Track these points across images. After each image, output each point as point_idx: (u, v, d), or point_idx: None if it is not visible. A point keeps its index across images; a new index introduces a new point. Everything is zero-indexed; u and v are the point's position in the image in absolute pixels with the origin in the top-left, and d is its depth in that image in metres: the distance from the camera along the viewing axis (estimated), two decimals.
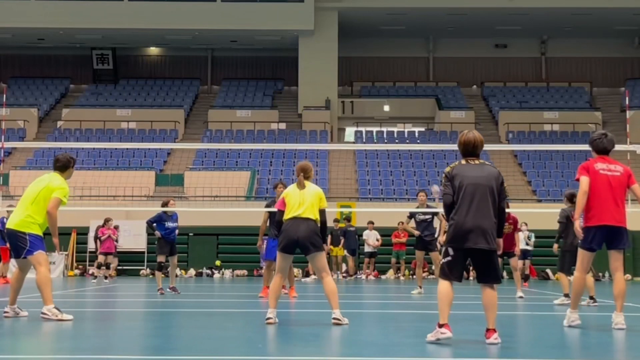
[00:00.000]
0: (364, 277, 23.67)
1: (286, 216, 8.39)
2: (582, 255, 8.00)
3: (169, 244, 14.33)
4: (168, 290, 14.19)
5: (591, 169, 7.90)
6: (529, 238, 21.02)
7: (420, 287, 15.18)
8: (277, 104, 36.76)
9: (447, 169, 6.81)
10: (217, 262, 25.28)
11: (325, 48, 34.98)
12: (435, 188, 15.25)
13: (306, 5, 34.26)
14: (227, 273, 24.96)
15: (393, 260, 23.92)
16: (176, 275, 15.54)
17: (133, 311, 9.22)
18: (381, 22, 36.05)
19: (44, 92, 37.69)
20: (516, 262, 14.59)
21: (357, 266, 24.61)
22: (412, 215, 15.30)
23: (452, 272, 6.63)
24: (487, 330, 6.56)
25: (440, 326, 6.49)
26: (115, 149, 31.01)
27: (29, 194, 8.44)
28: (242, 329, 8.21)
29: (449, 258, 6.63)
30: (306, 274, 22.99)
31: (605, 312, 7.86)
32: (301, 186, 8.42)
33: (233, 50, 38.38)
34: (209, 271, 25.04)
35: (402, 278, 23.71)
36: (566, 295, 11.84)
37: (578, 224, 7.93)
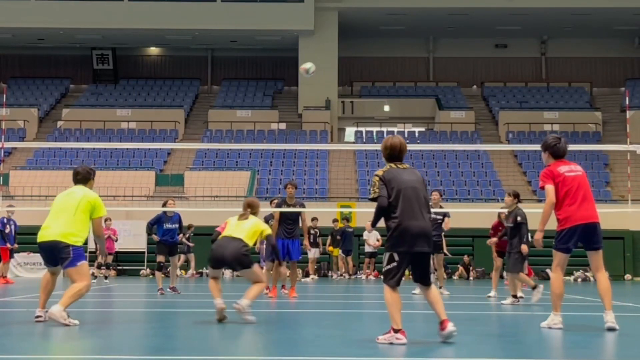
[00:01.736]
0: (364, 277, 23.68)
1: (225, 233, 8.95)
2: (559, 257, 7.93)
3: (168, 246, 14.31)
4: (168, 290, 14.19)
5: (556, 173, 7.89)
6: None
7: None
8: (277, 104, 36.76)
9: (380, 172, 6.73)
10: None
11: (325, 48, 34.96)
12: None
13: (306, 5, 34.26)
14: (227, 273, 24.94)
15: None
16: (177, 276, 15.52)
17: (133, 311, 9.22)
18: (381, 22, 36.04)
19: (44, 92, 37.69)
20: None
21: (358, 266, 24.62)
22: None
23: (396, 278, 6.61)
24: (442, 322, 6.63)
25: (396, 331, 6.50)
26: (115, 149, 31.00)
27: (65, 207, 8.43)
28: (242, 329, 8.21)
29: (394, 264, 6.60)
30: (306, 274, 22.99)
31: (601, 313, 7.84)
32: (243, 218, 9.05)
33: (233, 50, 38.38)
34: (209, 271, 25.03)
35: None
36: (514, 296, 11.82)
37: (541, 235, 7.88)
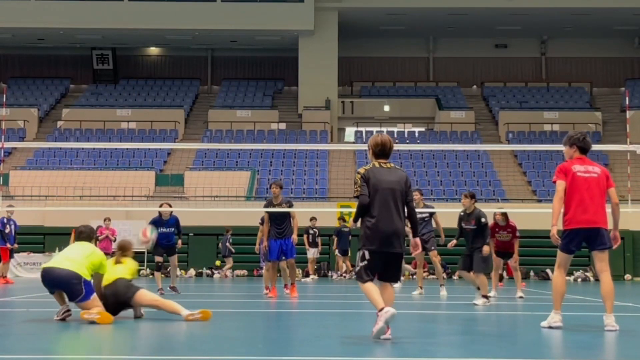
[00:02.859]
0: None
1: (105, 281, 8.91)
2: (561, 256, 7.94)
3: (164, 248, 14.31)
4: (168, 289, 14.19)
5: (569, 171, 7.82)
6: None
7: (421, 288, 15.20)
8: (277, 104, 36.75)
9: (362, 171, 6.86)
10: (217, 262, 25.29)
11: (325, 48, 34.97)
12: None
13: (306, 5, 34.25)
14: (228, 273, 24.96)
15: None
16: (177, 276, 15.51)
17: (132, 312, 9.23)
18: (381, 22, 36.04)
19: (44, 92, 37.68)
20: (515, 263, 14.67)
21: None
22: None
23: (368, 274, 6.76)
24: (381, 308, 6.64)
25: (380, 310, 6.57)
26: (115, 149, 31.00)
27: (80, 251, 8.87)
28: (242, 329, 8.22)
29: (365, 262, 6.74)
30: (306, 274, 23.00)
31: (601, 313, 7.83)
32: (116, 262, 9.30)
33: (233, 50, 38.37)
34: (209, 271, 25.05)
35: (401, 278, 23.70)
36: (485, 296, 11.74)
37: (555, 229, 7.78)
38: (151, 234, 12.79)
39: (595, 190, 7.79)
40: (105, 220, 20.99)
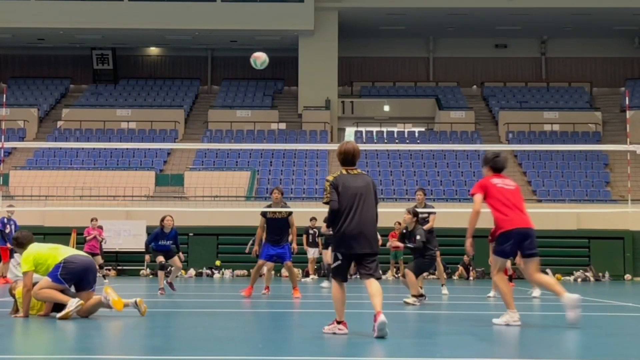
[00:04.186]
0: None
1: None
2: (496, 260, 8.45)
3: (163, 252, 14.33)
4: (166, 282, 14.19)
5: (489, 184, 8.36)
6: None
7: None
8: (277, 104, 36.75)
9: (331, 178, 7.28)
10: (217, 262, 25.29)
11: (325, 48, 34.97)
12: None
13: (306, 5, 34.25)
14: (227, 273, 24.97)
15: (392, 260, 23.93)
16: (177, 276, 15.51)
17: (133, 311, 9.22)
18: (381, 22, 36.04)
19: (44, 92, 37.68)
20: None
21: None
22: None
23: (340, 275, 7.23)
24: (377, 313, 6.92)
25: (339, 323, 7.17)
26: (115, 149, 30.99)
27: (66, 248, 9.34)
28: (242, 329, 8.22)
29: (338, 262, 7.23)
30: (306, 274, 23.00)
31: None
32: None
33: (233, 50, 38.36)
34: (209, 271, 25.05)
35: (401, 278, 23.67)
36: (414, 296, 11.73)
37: (470, 242, 8.40)
38: None
39: (519, 199, 8.40)
40: (92, 220, 20.90)
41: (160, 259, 14.27)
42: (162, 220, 14.20)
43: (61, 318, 8.36)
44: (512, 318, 8.21)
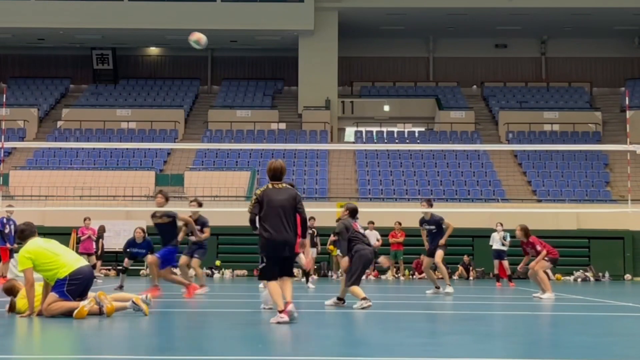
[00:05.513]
0: (363, 277, 23.64)
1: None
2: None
3: (134, 258, 15.71)
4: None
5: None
6: (504, 239, 20.66)
7: (437, 288, 15.26)
8: (277, 104, 36.75)
9: (258, 192, 8.40)
10: (217, 262, 25.28)
11: (325, 48, 34.97)
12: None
13: (306, 5, 34.26)
14: (227, 273, 24.97)
15: (392, 260, 23.93)
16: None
17: (132, 311, 9.22)
18: (381, 22, 36.04)
19: (44, 92, 37.69)
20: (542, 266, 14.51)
21: None
22: (422, 223, 15.45)
23: (270, 274, 8.39)
24: (287, 302, 8.17)
25: (281, 312, 8.13)
26: (115, 149, 31.00)
27: (63, 247, 9.37)
28: (242, 329, 8.22)
29: (264, 264, 8.42)
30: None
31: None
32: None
33: (233, 50, 38.37)
34: (209, 271, 25.03)
35: (401, 278, 23.73)
36: (339, 299, 11.77)
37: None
38: None
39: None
40: (85, 220, 20.89)
41: (128, 263, 15.74)
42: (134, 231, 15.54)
43: (78, 316, 8.45)
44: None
